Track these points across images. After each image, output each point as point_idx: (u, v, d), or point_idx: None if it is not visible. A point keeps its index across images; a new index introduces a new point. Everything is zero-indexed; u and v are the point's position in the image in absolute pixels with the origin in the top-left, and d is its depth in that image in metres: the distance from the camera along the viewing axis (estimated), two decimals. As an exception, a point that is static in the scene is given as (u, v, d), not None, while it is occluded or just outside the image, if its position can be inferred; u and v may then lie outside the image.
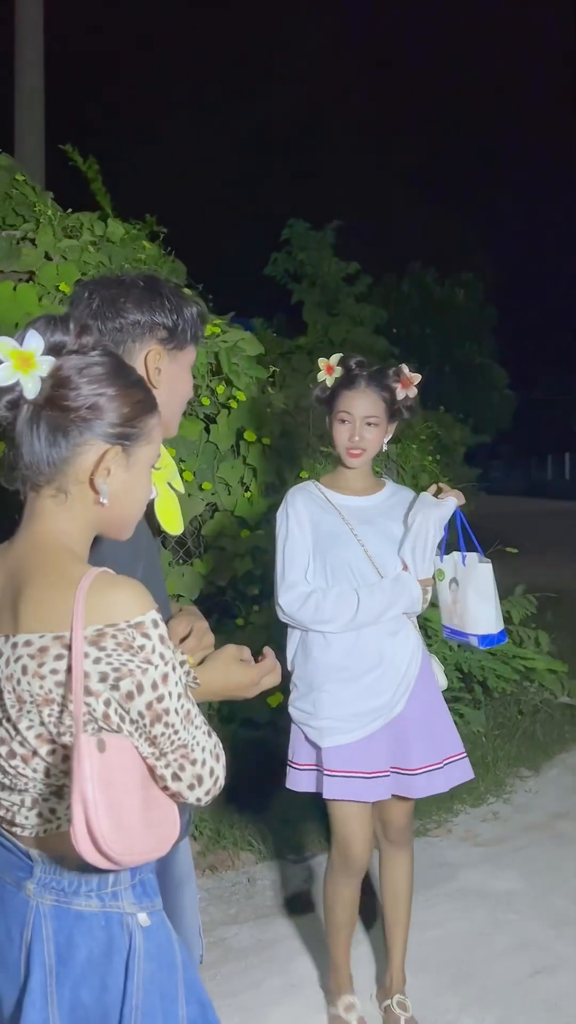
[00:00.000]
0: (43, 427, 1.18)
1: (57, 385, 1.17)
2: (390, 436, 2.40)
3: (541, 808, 3.81)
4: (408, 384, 2.36)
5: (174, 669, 1.16)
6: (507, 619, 4.58)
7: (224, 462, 3.74)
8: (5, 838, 1.23)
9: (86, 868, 1.17)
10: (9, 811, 1.21)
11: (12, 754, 1.17)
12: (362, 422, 2.30)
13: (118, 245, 4.15)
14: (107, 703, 1.13)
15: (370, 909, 2.71)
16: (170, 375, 1.56)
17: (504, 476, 27.12)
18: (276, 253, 10.99)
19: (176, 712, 1.16)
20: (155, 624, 1.15)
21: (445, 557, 2.43)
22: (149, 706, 1.14)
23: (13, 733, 1.16)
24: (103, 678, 1.12)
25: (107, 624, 1.11)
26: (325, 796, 2.27)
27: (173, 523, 1.61)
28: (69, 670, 1.11)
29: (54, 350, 1.17)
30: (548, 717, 4.73)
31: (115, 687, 1.13)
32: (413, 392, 2.37)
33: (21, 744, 1.16)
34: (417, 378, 2.38)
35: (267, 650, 1.46)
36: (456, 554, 2.43)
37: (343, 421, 2.32)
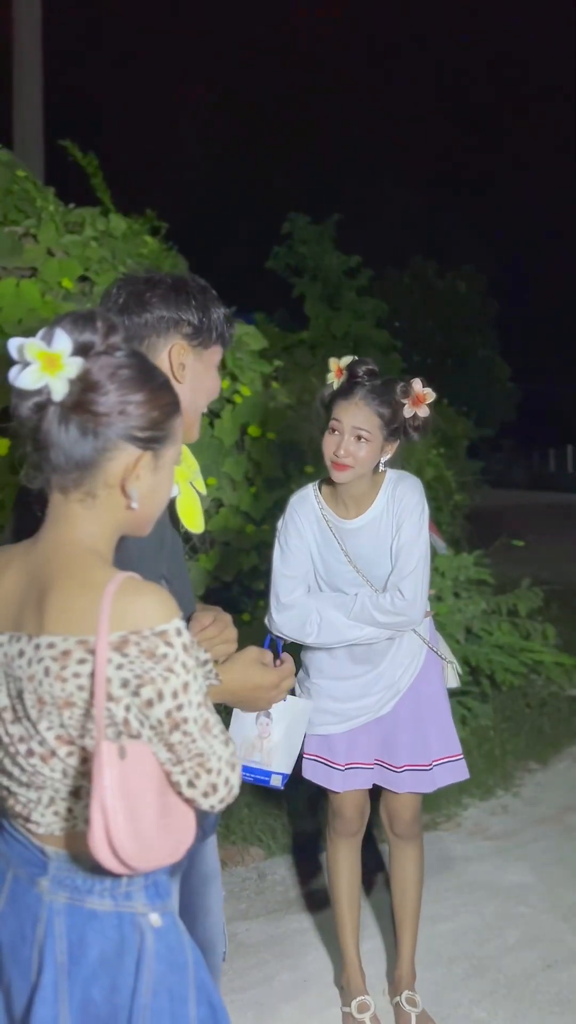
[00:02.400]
0: (72, 431, 1.15)
1: (86, 389, 1.15)
2: (388, 456, 2.22)
3: (550, 801, 3.81)
4: (420, 402, 2.19)
5: (195, 678, 1.16)
6: (514, 612, 4.58)
7: (228, 457, 3.73)
8: (20, 834, 1.23)
9: (100, 867, 1.16)
10: (26, 807, 1.21)
11: (31, 752, 1.17)
12: (351, 434, 2.14)
13: (120, 240, 4.13)
14: (127, 709, 1.13)
15: (382, 903, 2.71)
16: (195, 372, 1.55)
17: (507, 469, 27.05)
18: (277, 247, 10.97)
19: (195, 721, 1.15)
20: (179, 633, 1.14)
21: None
22: (168, 714, 1.13)
23: (33, 732, 1.16)
24: (124, 684, 1.12)
25: (131, 631, 1.11)
26: (304, 774, 2.33)
27: (194, 521, 1.61)
28: (92, 674, 1.11)
29: (82, 350, 1.14)
30: (556, 710, 4.73)
31: (136, 694, 1.12)
32: (425, 412, 2.20)
33: (40, 743, 1.16)
34: (430, 396, 2.20)
35: (286, 655, 1.49)
36: None
37: (332, 431, 2.17)
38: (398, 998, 2.40)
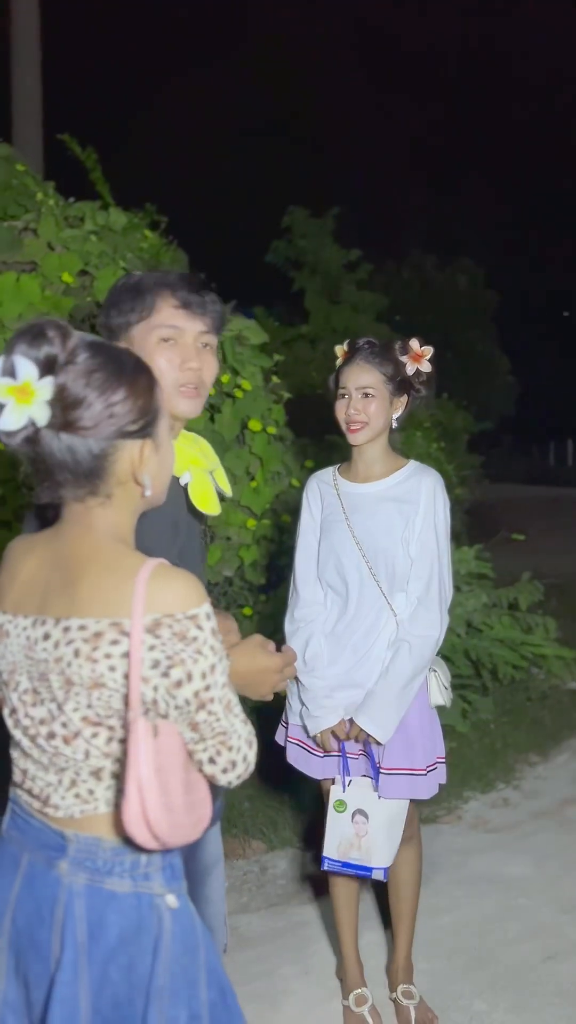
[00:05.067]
0: (70, 449, 1.16)
1: (68, 407, 1.14)
2: (399, 412, 2.31)
3: (551, 794, 3.82)
4: (419, 358, 2.29)
5: (220, 660, 1.20)
6: (514, 606, 4.58)
7: (229, 452, 3.73)
8: (35, 819, 1.25)
9: (120, 849, 1.20)
10: (44, 791, 1.23)
11: (52, 735, 1.20)
12: (357, 393, 2.24)
13: (120, 234, 4.13)
14: (155, 689, 1.16)
15: (383, 896, 2.72)
16: (141, 341, 1.56)
17: (506, 463, 27.01)
18: (276, 241, 10.95)
19: (220, 701, 1.20)
20: (208, 617, 1.18)
21: (348, 787, 2.26)
22: (196, 694, 1.18)
23: (57, 713, 1.19)
24: (155, 665, 1.15)
25: (164, 614, 1.15)
26: (287, 758, 2.38)
27: (209, 504, 1.62)
28: (124, 655, 1.14)
29: (47, 366, 1.13)
30: (556, 703, 4.74)
31: (166, 675, 1.16)
32: (426, 366, 2.30)
33: (64, 725, 1.19)
34: (428, 351, 2.31)
35: (287, 647, 1.54)
36: (367, 782, 2.26)
37: (341, 396, 2.28)
38: (395, 993, 2.42)
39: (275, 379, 4.22)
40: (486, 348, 21.07)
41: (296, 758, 2.39)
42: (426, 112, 26.29)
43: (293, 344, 7.90)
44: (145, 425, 1.21)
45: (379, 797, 2.25)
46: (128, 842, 1.20)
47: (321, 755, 2.33)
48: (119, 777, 1.20)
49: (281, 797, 3.42)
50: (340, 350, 2.35)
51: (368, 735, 2.22)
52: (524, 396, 22.78)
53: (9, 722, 1.27)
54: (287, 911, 2.92)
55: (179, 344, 1.56)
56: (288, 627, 2.36)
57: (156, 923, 1.22)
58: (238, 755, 1.23)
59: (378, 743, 2.22)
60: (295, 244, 10.80)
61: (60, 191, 4.54)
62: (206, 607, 1.18)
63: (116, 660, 1.15)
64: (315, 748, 2.34)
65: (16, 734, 1.25)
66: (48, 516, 1.39)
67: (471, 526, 6.48)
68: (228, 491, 1.75)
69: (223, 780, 1.24)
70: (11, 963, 1.24)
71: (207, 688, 1.18)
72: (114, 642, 1.15)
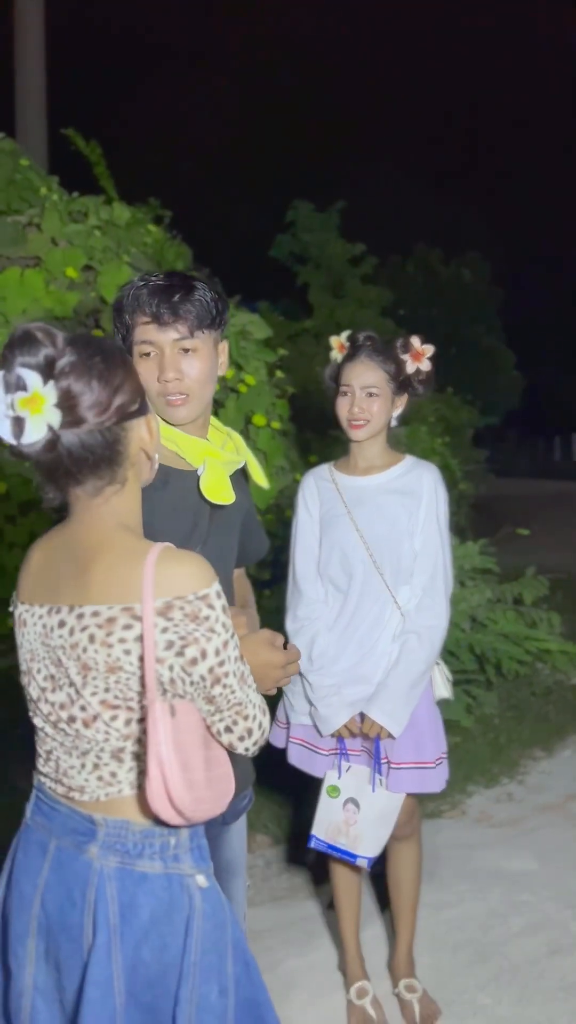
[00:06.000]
0: (88, 444, 1.19)
1: (75, 404, 1.16)
2: (399, 410, 2.33)
3: (555, 789, 3.82)
4: (420, 357, 2.29)
5: (232, 635, 1.24)
6: (519, 601, 4.58)
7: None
8: (63, 805, 1.27)
9: (150, 831, 1.23)
10: (67, 774, 1.26)
11: (72, 719, 1.23)
12: (361, 392, 2.24)
13: (124, 229, 4.13)
14: (171, 668, 1.19)
15: (385, 891, 2.72)
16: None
17: (512, 458, 26.95)
18: (281, 235, 10.93)
19: (234, 674, 1.24)
20: (218, 595, 1.22)
21: (344, 772, 2.25)
22: (211, 670, 1.21)
23: (75, 697, 1.22)
24: (169, 646, 1.19)
25: (175, 596, 1.18)
26: (289, 760, 2.37)
27: (221, 494, 1.63)
28: (138, 639, 1.18)
29: (47, 370, 1.15)
30: (561, 698, 4.74)
31: (180, 654, 1.19)
32: (426, 365, 2.30)
33: (83, 709, 1.22)
34: (429, 350, 2.30)
35: (292, 644, 1.56)
36: (364, 772, 2.25)
37: (344, 393, 2.27)
38: (398, 988, 2.43)
39: (279, 374, 4.22)
40: (492, 342, 21.01)
41: (299, 758, 2.37)
42: (432, 105, 26.19)
43: (297, 339, 7.89)
44: (142, 402, 1.25)
45: (386, 791, 2.24)
46: (157, 824, 1.23)
47: (326, 753, 2.33)
48: (140, 759, 1.23)
49: (285, 792, 3.43)
50: (337, 342, 2.34)
51: (381, 728, 2.21)
52: (530, 390, 22.71)
53: (31, 709, 1.30)
54: (292, 905, 2.92)
55: (156, 357, 1.60)
56: (291, 626, 2.34)
57: (187, 903, 1.25)
58: (254, 723, 1.28)
59: (391, 736, 2.21)
60: (299, 239, 10.78)
61: (64, 186, 4.54)
62: (216, 586, 1.21)
63: (131, 644, 1.18)
64: (320, 746, 2.33)
65: (38, 721, 1.28)
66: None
67: (476, 521, 6.48)
68: (263, 483, 1.77)
69: (240, 747, 1.29)
70: (41, 948, 1.26)
71: (221, 664, 1.22)
72: (127, 627, 1.18)
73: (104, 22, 21.41)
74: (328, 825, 2.26)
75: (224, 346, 1.69)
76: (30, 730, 1.33)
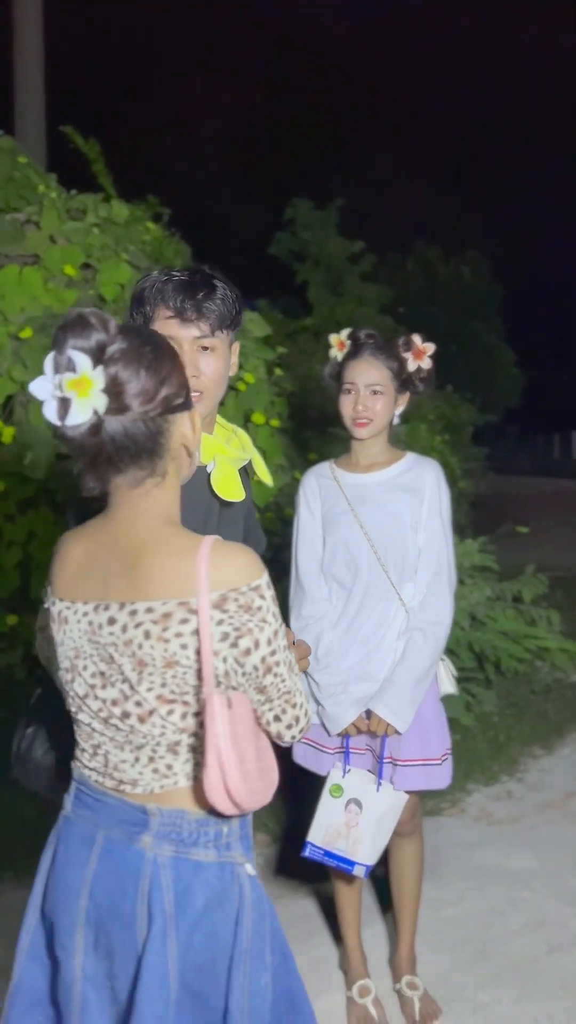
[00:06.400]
0: (131, 433, 1.19)
1: (122, 391, 1.17)
2: (401, 408, 2.34)
3: (554, 786, 3.82)
4: (421, 355, 2.29)
5: (281, 625, 1.26)
6: (518, 599, 4.58)
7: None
8: (111, 796, 1.28)
9: (204, 820, 1.25)
10: (119, 768, 1.27)
11: (126, 714, 1.24)
12: (366, 390, 2.25)
13: (123, 227, 4.12)
14: (224, 660, 1.21)
15: (386, 888, 2.72)
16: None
17: (511, 455, 26.98)
18: (280, 233, 10.91)
19: (284, 663, 1.27)
20: (268, 586, 1.24)
21: (348, 773, 2.25)
22: (263, 660, 1.24)
23: (130, 693, 1.22)
24: (224, 638, 1.20)
25: (230, 589, 1.19)
26: (294, 759, 2.36)
27: (231, 491, 1.64)
28: (194, 633, 1.18)
29: (98, 354, 1.15)
30: (560, 696, 4.74)
31: (234, 645, 1.21)
32: (427, 363, 2.31)
33: (138, 704, 1.23)
34: (430, 348, 2.31)
35: (300, 640, 1.57)
36: (367, 773, 2.25)
37: (348, 392, 2.28)
38: (399, 984, 2.43)
39: (278, 372, 4.22)
40: (491, 340, 21.01)
41: (305, 757, 2.37)
42: (432, 103, 26.16)
43: (297, 337, 7.88)
44: (187, 397, 1.26)
45: (389, 792, 2.23)
46: (211, 813, 1.25)
47: (332, 751, 2.32)
48: (195, 750, 1.24)
49: (284, 790, 3.42)
50: (336, 340, 2.34)
51: (387, 725, 2.20)
52: (529, 388, 22.71)
53: (73, 706, 1.29)
54: (291, 903, 2.92)
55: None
56: (295, 624, 2.34)
57: (237, 891, 1.27)
58: (300, 711, 1.31)
59: (397, 732, 2.21)
60: (298, 236, 10.76)
61: (62, 183, 4.53)
62: (266, 576, 1.24)
63: (187, 638, 1.19)
64: (326, 745, 2.33)
65: (84, 717, 1.28)
66: (92, 509, 1.41)
67: (475, 519, 6.48)
68: (269, 481, 1.78)
69: (287, 736, 1.31)
70: (90, 938, 1.27)
71: (273, 653, 1.24)
72: (183, 621, 1.18)
73: (103, 20, 21.39)
74: (327, 828, 2.24)
75: (236, 347, 1.71)
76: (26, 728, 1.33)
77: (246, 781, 1.20)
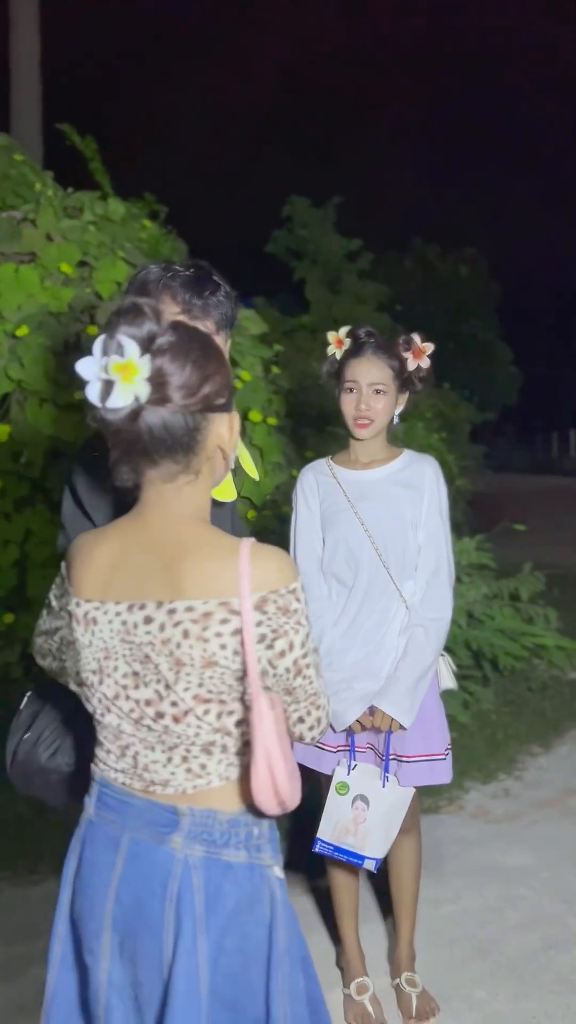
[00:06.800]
0: (169, 426, 1.19)
1: (166, 383, 1.18)
2: (401, 407, 2.34)
3: (552, 784, 3.82)
4: (420, 354, 2.29)
5: (311, 628, 1.27)
6: (516, 596, 4.58)
7: (230, 443, 3.72)
8: (137, 797, 1.27)
9: (236, 820, 1.25)
10: (149, 769, 1.26)
11: (160, 715, 1.23)
12: (369, 389, 2.24)
13: (119, 225, 4.11)
14: (259, 661, 1.21)
15: (382, 886, 2.72)
16: None
17: (509, 453, 27.00)
18: (277, 230, 10.90)
19: (313, 665, 1.28)
20: (302, 589, 1.25)
21: (353, 770, 2.25)
22: (295, 662, 1.25)
23: (165, 693, 1.22)
24: (261, 639, 1.21)
25: (270, 591, 1.21)
26: (295, 757, 2.34)
27: (222, 492, 1.63)
28: (234, 633, 1.19)
29: (147, 344, 1.17)
30: (557, 694, 4.74)
31: (270, 647, 1.22)
32: (426, 363, 2.30)
33: (173, 704, 1.22)
34: (429, 348, 2.31)
35: None
36: (372, 769, 2.26)
37: (350, 390, 2.26)
38: (398, 980, 2.43)
39: (275, 369, 4.21)
40: (489, 338, 21.02)
41: (306, 755, 2.35)
42: (430, 101, 26.15)
43: (294, 334, 7.89)
44: (229, 399, 1.27)
45: (399, 785, 2.24)
46: (243, 813, 1.25)
47: (334, 750, 2.32)
48: (228, 751, 1.24)
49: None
50: (335, 337, 2.33)
51: (392, 721, 2.21)
52: (527, 386, 22.73)
53: (100, 708, 1.28)
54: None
55: None
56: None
57: (268, 893, 1.27)
58: (323, 712, 1.32)
59: (402, 728, 2.22)
60: (296, 234, 10.75)
61: (59, 181, 4.52)
62: (300, 579, 1.25)
63: (227, 638, 1.19)
64: (327, 743, 2.32)
65: (112, 718, 1.27)
66: (92, 515, 1.40)
67: (473, 517, 6.48)
68: (255, 475, 1.77)
69: (308, 737, 1.32)
70: (115, 942, 1.26)
71: (305, 655, 1.25)
72: (224, 621, 1.19)
73: (100, 16, 21.35)
74: (336, 825, 2.25)
75: (228, 345, 1.72)
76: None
77: (291, 779, 1.21)
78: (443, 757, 2.30)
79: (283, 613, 1.21)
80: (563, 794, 3.73)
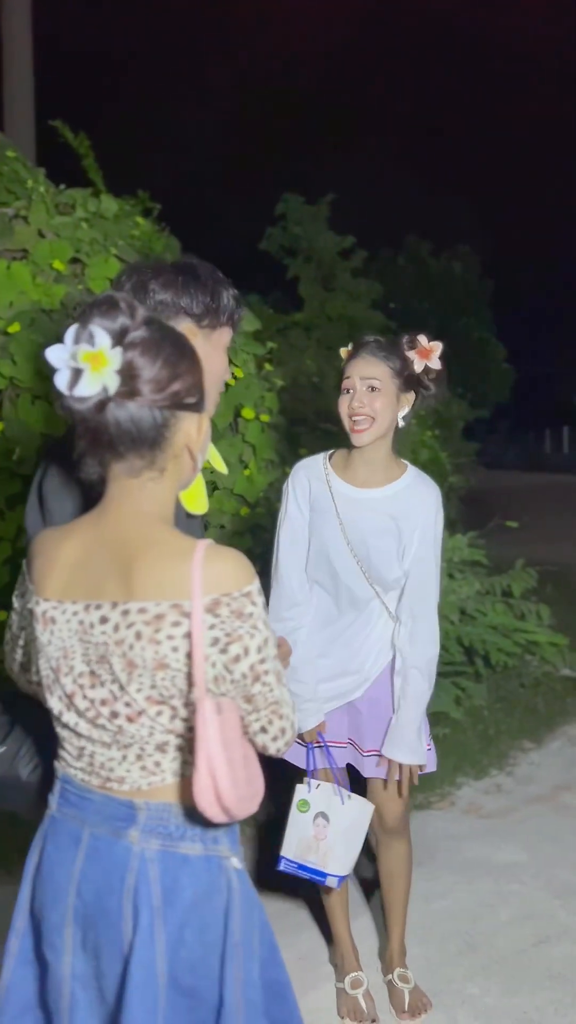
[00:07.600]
0: (136, 419, 1.19)
1: (136, 376, 1.18)
2: (406, 410, 2.22)
3: (544, 780, 3.84)
4: (427, 354, 2.21)
5: (271, 633, 1.25)
6: (508, 593, 4.59)
7: (222, 439, 3.72)
8: (96, 793, 1.27)
9: (191, 814, 1.24)
10: (105, 767, 1.26)
11: (115, 714, 1.23)
12: (363, 385, 2.15)
13: (112, 222, 4.10)
14: (213, 665, 1.19)
15: (373, 880, 2.73)
16: (204, 353, 1.55)
17: (502, 450, 27.05)
18: (271, 228, 10.88)
19: (272, 672, 1.25)
20: (259, 592, 1.23)
21: (314, 789, 2.26)
22: (252, 668, 1.22)
23: (119, 694, 1.22)
24: (214, 643, 1.19)
25: (222, 593, 1.19)
26: None
27: (195, 503, 1.62)
28: (186, 636, 1.18)
29: (120, 336, 1.17)
30: (549, 690, 4.76)
31: (224, 651, 1.20)
32: (436, 363, 2.21)
33: (127, 705, 1.22)
34: (438, 347, 2.22)
35: (282, 638, 1.54)
36: (331, 787, 2.26)
37: (346, 390, 2.19)
38: (390, 976, 2.44)
39: (268, 367, 4.21)
40: (482, 335, 21.03)
41: (289, 752, 2.38)
42: (423, 98, 26.13)
43: (287, 332, 7.88)
44: (200, 399, 1.26)
45: (355, 805, 2.26)
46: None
47: (318, 744, 2.33)
48: (183, 749, 1.24)
49: (269, 782, 3.43)
50: (344, 351, 2.28)
51: (409, 767, 2.26)
52: (520, 383, 22.76)
53: (58, 706, 1.28)
54: (280, 897, 2.93)
55: None
56: (274, 625, 2.28)
57: (225, 884, 1.27)
58: (287, 722, 1.28)
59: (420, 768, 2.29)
60: (289, 231, 10.73)
61: (51, 178, 4.50)
62: (257, 583, 1.22)
63: (178, 641, 1.18)
64: (303, 737, 2.33)
65: (69, 717, 1.27)
66: (48, 506, 1.39)
67: (465, 513, 6.49)
68: (223, 469, 1.75)
69: (272, 748, 1.29)
70: (78, 936, 1.27)
71: (262, 661, 1.22)
72: (175, 623, 1.18)
73: (93, 13, 21.28)
74: (298, 842, 2.26)
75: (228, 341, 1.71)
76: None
77: (236, 788, 1.18)
78: (428, 748, 2.33)
79: (237, 616, 1.19)
80: (555, 790, 3.74)
